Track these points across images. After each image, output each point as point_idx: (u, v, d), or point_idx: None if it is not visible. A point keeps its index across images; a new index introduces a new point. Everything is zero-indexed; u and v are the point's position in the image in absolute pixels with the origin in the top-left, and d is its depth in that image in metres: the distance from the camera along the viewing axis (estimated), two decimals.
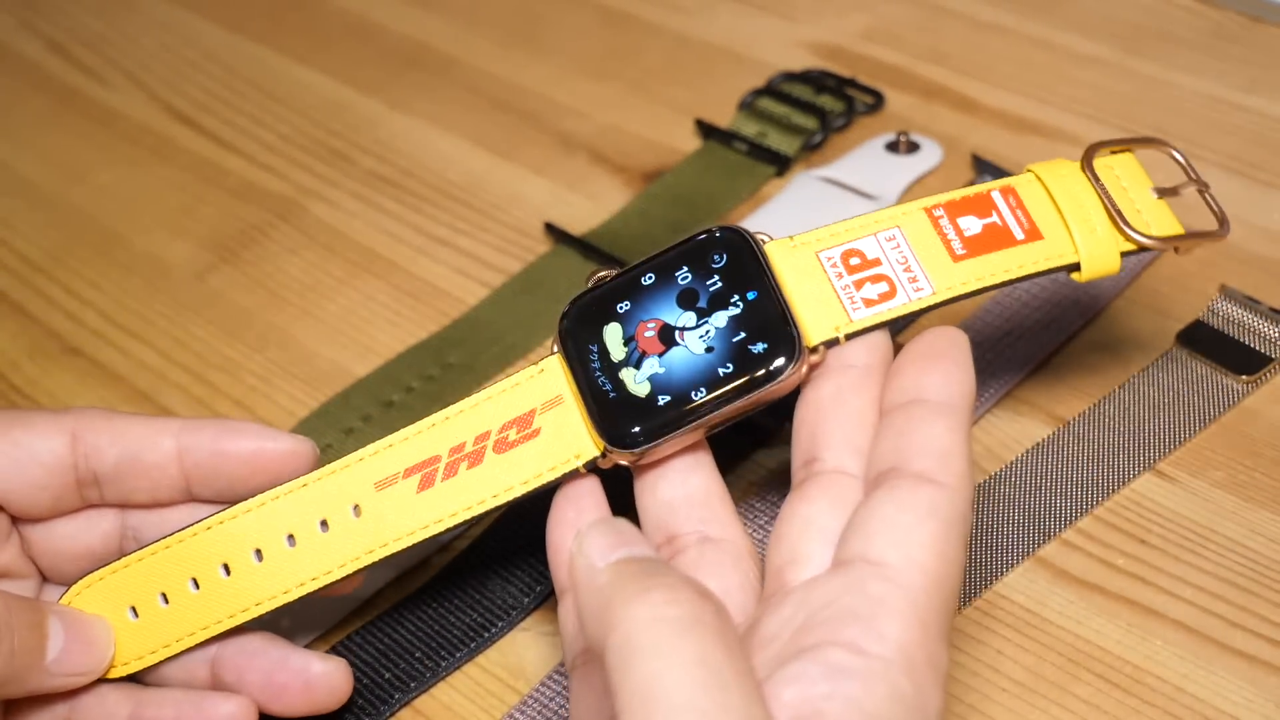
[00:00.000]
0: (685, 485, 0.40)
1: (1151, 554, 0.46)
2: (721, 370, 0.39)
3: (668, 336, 0.40)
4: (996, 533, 0.47)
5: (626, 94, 0.70)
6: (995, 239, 0.41)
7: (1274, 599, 0.45)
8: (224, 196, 0.67)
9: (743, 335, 0.39)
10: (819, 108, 0.65)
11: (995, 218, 0.41)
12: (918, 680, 0.33)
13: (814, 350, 0.39)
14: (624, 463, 0.40)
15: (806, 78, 0.67)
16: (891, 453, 0.36)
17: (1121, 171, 0.44)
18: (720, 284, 0.40)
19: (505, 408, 0.41)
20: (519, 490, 0.40)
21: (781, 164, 0.63)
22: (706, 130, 0.66)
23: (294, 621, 0.48)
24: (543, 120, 0.69)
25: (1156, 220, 0.43)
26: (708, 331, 0.39)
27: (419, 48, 0.75)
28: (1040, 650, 0.44)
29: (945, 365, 0.38)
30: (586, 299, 0.41)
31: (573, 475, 0.40)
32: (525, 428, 0.40)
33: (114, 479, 0.43)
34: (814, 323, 0.39)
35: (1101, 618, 0.45)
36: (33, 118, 0.74)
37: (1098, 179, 0.43)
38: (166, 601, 0.42)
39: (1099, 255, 0.42)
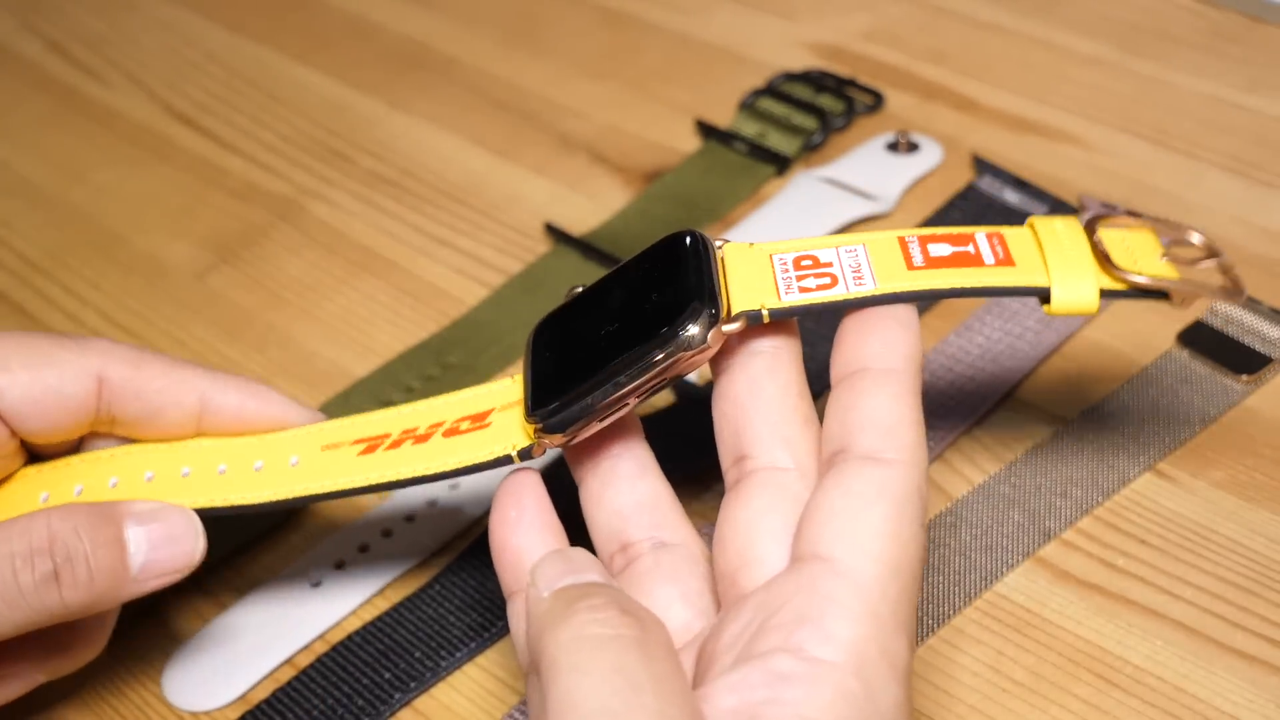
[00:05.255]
0: (633, 492, 0.40)
1: (1151, 554, 0.46)
2: (639, 339, 0.38)
3: (597, 331, 0.40)
4: (996, 533, 0.47)
5: (626, 94, 0.70)
6: (960, 262, 0.39)
7: (1274, 599, 0.45)
8: (224, 197, 0.67)
9: (664, 308, 0.38)
10: (819, 108, 0.65)
11: (969, 248, 0.40)
12: (869, 678, 0.32)
13: (734, 319, 0.38)
14: (555, 445, 0.39)
15: (806, 78, 0.67)
16: (838, 432, 0.36)
17: (1132, 240, 0.42)
18: (659, 276, 0.40)
19: (468, 407, 0.42)
20: (449, 466, 0.40)
21: (781, 164, 0.63)
22: (706, 130, 0.66)
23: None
24: (543, 120, 0.69)
25: (1152, 268, 0.41)
26: (631, 317, 0.39)
27: (419, 48, 0.75)
28: (1040, 650, 0.44)
29: (885, 327, 0.37)
30: (553, 313, 0.42)
31: (504, 461, 0.40)
32: (479, 421, 0.41)
33: (130, 425, 0.44)
34: (740, 299, 0.38)
35: (1101, 618, 0.45)
36: (33, 118, 0.74)
37: (1093, 231, 0.41)
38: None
39: (1072, 289, 0.39)
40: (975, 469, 0.50)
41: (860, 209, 0.60)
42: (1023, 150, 0.62)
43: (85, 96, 0.75)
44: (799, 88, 0.67)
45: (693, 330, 0.37)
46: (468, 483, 0.51)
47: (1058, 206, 0.59)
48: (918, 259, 0.39)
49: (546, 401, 0.39)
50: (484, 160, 0.67)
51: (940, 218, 0.59)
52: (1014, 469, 0.49)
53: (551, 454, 0.45)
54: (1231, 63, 0.65)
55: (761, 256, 0.40)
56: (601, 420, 0.39)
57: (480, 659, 0.47)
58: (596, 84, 0.71)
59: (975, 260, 0.40)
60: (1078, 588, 0.46)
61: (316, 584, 0.49)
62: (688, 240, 0.40)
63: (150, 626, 0.49)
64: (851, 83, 0.67)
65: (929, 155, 0.63)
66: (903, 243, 0.40)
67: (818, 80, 0.67)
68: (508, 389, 0.42)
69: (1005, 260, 0.40)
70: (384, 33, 0.77)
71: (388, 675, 0.46)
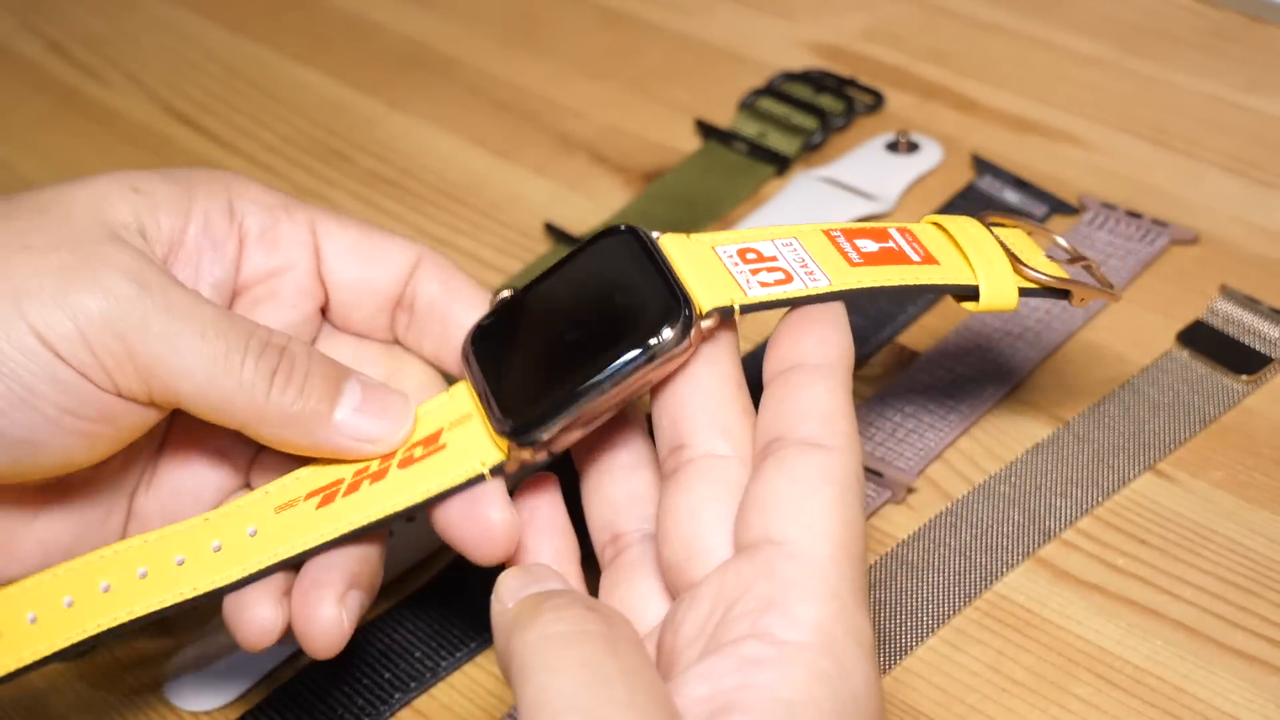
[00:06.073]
0: (628, 484, 0.40)
1: (1151, 554, 0.46)
2: (614, 342, 0.38)
3: (558, 336, 0.39)
4: (996, 533, 0.47)
5: (626, 94, 0.70)
6: (891, 258, 0.40)
7: (1274, 599, 0.45)
8: None
9: (632, 312, 0.38)
10: (819, 108, 0.65)
11: (891, 244, 0.41)
12: (839, 655, 0.33)
13: (707, 316, 0.38)
14: (528, 458, 0.39)
15: (806, 78, 0.67)
16: (775, 421, 0.36)
17: (1013, 239, 0.43)
18: (611, 277, 0.39)
19: (414, 432, 0.40)
20: (419, 497, 0.39)
21: (781, 164, 0.63)
22: (706, 130, 0.66)
23: None
24: (543, 120, 0.69)
25: (1048, 269, 0.43)
26: (596, 320, 0.39)
27: (419, 48, 0.75)
28: (1040, 650, 0.44)
29: (820, 328, 0.37)
30: (489, 318, 0.41)
31: (477, 481, 0.39)
32: (431, 444, 0.40)
33: (418, 317, 0.43)
34: (707, 295, 0.38)
35: (1101, 618, 0.45)
36: (33, 118, 0.74)
37: (994, 232, 0.43)
38: (35, 621, 0.40)
39: (997, 287, 0.41)
40: (975, 469, 0.50)
41: (860, 209, 0.60)
42: (1023, 150, 0.62)
43: (85, 96, 0.75)
44: (799, 88, 0.67)
45: (673, 331, 0.37)
46: None
47: (1058, 206, 0.59)
48: (854, 255, 0.40)
49: (522, 414, 0.38)
50: (484, 160, 0.67)
51: None
52: (1014, 469, 0.49)
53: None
54: (1231, 63, 0.65)
55: (704, 249, 0.39)
56: (584, 429, 0.39)
57: (480, 659, 0.47)
58: (596, 84, 0.71)
59: (903, 257, 0.41)
60: (1078, 588, 0.46)
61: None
62: (630, 237, 0.40)
63: (151, 626, 0.49)
64: (851, 83, 0.67)
65: (929, 155, 0.63)
66: (830, 237, 0.40)
67: (818, 80, 0.67)
68: (447, 405, 0.41)
69: (928, 258, 0.41)
70: (384, 33, 0.77)
71: (388, 675, 0.46)
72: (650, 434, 0.41)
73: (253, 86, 0.74)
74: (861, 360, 0.53)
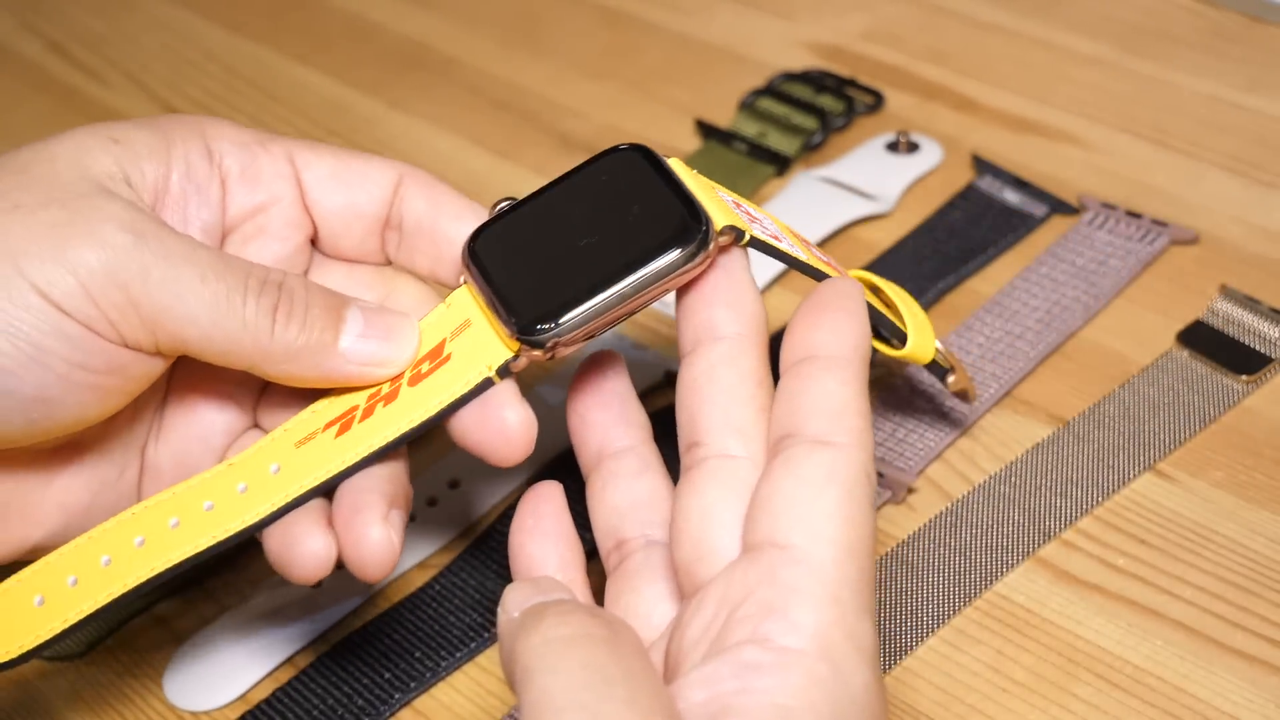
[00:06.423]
0: (631, 490, 0.40)
1: (1151, 554, 0.46)
2: (627, 251, 0.38)
3: (573, 241, 0.39)
4: (996, 533, 0.47)
5: (626, 94, 0.70)
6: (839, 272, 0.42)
7: (1274, 599, 0.45)
8: None
9: (650, 222, 0.38)
10: (819, 108, 0.65)
11: (837, 265, 0.42)
12: (837, 660, 0.32)
13: (722, 233, 0.38)
14: (539, 357, 0.39)
15: (806, 78, 0.67)
16: (786, 417, 0.36)
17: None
18: (625, 189, 0.40)
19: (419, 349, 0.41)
20: (432, 410, 0.39)
21: (781, 164, 0.63)
22: (706, 130, 0.66)
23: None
24: (543, 120, 0.69)
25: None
26: (613, 228, 0.39)
27: (419, 48, 0.75)
28: (1040, 650, 0.44)
29: (833, 317, 0.37)
30: (492, 224, 0.41)
31: (485, 385, 0.39)
32: (437, 357, 0.40)
33: (408, 236, 0.43)
34: (720, 216, 0.39)
35: (1101, 618, 0.45)
36: (33, 118, 0.74)
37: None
38: (76, 583, 0.41)
39: (920, 340, 0.45)
40: (975, 469, 0.50)
41: (860, 209, 0.60)
42: (1023, 150, 0.62)
43: (85, 96, 0.75)
44: (799, 88, 0.67)
45: (693, 242, 0.38)
46: (467, 480, 0.51)
47: (1058, 206, 0.59)
48: (814, 250, 0.42)
49: (534, 312, 0.38)
50: (484, 160, 0.67)
51: (940, 218, 0.59)
52: (1014, 469, 0.49)
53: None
54: (1231, 63, 0.65)
55: (708, 185, 0.40)
56: (589, 335, 0.39)
57: (480, 659, 0.47)
58: (596, 84, 0.71)
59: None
60: (1078, 588, 0.46)
61: (317, 584, 0.49)
62: (638, 154, 0.40)
63: (151, 626, 0.49)
64: (851, 83, 0.67)
65: (929, 155, 0.63)
66: (791, 230, 0.42)
67: (818, 80, 0.67)
68: (446, 315, 0.41)
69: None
70: (383, 33, 0.77)
71: (388, 675, 0.46)
72: (654, 439, 0.41)
73: (253, 86, 0.74)
74: None
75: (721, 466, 0.37)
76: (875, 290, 0.45)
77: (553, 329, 0.38)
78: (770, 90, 0.67)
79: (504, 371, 0.39)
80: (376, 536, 0.39)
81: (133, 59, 0.77)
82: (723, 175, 0.63)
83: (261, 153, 0.42)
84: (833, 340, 0.36)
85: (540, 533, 0.40)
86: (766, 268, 0.57)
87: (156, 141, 0.41)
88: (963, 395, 0.49)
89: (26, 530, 0.41)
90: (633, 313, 0.39)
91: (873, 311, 0.42)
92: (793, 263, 0.40)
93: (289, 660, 0.48)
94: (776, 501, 0.35)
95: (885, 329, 0.44)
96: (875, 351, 0.40)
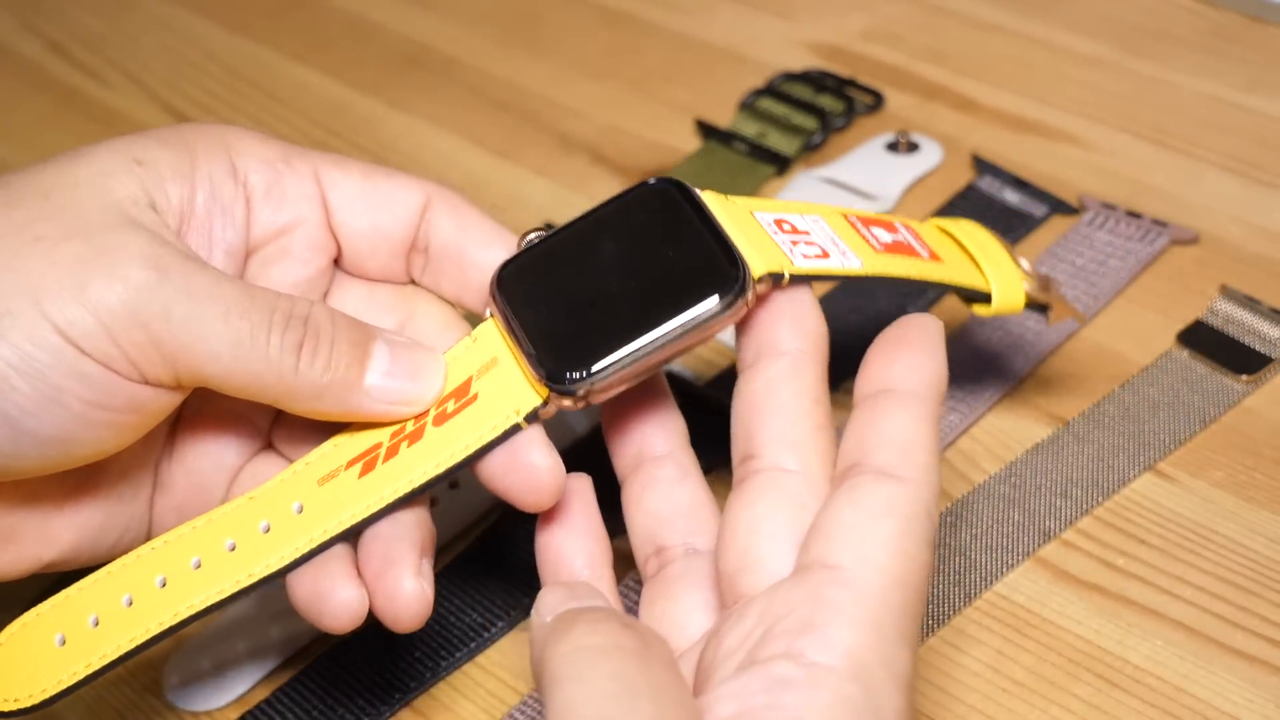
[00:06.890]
0: (671, 497, 0.40)
1: (1151, 554, 0.46)
2: (663, 301, 0.38)
3: (605, 283, 0.39)
4: (996, 533, 0.47)
5: (626, 94, 0.70)
6: (905, 250, 0.41)
7: (1274, 599, 0.45)
8: None
9: (685, 268, 0.38)
10: (819, 108, 0.65)
11: (901, 236, 0.41)
12: (868, 683, 0.32)
13: (760, 281, 0.38)
14: (569, 406, 0.38)
15: (806, 78, 0.67)
16: (856, 447, 0.36)
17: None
18: (659, 228, 0.39)
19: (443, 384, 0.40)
20: (459, 456, 0.39)
21: (781, 164, 0.63)
22: (706, 130, 0.66)
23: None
24: (543, 120, 0.69)
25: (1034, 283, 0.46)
26: (647, 271, 0.39)
27: (419, 48, 0.75)
28: (1040, 650, 0.44)
29: (912, 353, 0.37)
30: (520, 258, 0.40)
31: (513, 431, 0.38)
32: (463, 396, 0.39)
33: (434, 259, 0.43)
34: (757, 259, 0.38)
35: (1101, 618, 0.45)
36: (33, 118, 0.74)
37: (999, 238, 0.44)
38: (97, 624, 0.40)
39: (1007, 290, 0.43)
40: (975, 469, 0.50)
41: (860, 209, 0.60)
42: (1023, 150, 0.62)
43: (85, 96, 0.75)
44: (799, 88, 0.67)
45: (731, 292, 0.37)
46: (467, 481, 0.51)
47: (1058, 206, 0.59)
48: (875, 244, 0.40)
49: (567, 361, 0.38)
50: (484, 160, 0.67)
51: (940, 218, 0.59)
52: (1014, 469, 0.49)
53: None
54: (1231, 63, 0.65)
55: (744, 212, 0.39)
56: (625, 385, 0.38)
57: (480, 659, 0.47)
58: (596, 84, 0.71)
59: (913, 251, 0.41)
60: (1078, 588, 0.46)
61: None
62: (673, 189, 0.39)
63: None
64: (851, 83, 0.67)
65: (929, 155, 0.63)
66: (849, 221, 0.40)
67: (818, 80, 0.67)
68: (472, 349, 0.40)
69: (933, 256, 0.42)
70: (384, 33, 0.77)
71: (388, 675, 0.46)
72: (693, 446, 0.41)
73: (253, 86, 0.74)
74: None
75: (774, 480, 0.37)
76: (955, 240, 0.43)
77: (583, 378, 0.38)
78: (770, 90, 0.67)
79: (532, 418, 0.38)
80: (410, 589, 0.39)
81: (133, 59, 0.77)
82: (723, 175, 0.63)
83: (287, 171, 0.42)
84: (909, 376, 0.36)
85: (568, 527, 0.40)
86: None
87: (181, 161, 0.40)
88: (1072, 320, 0.47)
89: (40, 549, 0.41)
90: (666, 361, 0.38)
91: (948, 282, 0.41)
92: (844, 278, 0.39)
93: (289, 660, 0.48)
94: (833, 526, 0.34)
95: (967, 294, 0.43)
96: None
